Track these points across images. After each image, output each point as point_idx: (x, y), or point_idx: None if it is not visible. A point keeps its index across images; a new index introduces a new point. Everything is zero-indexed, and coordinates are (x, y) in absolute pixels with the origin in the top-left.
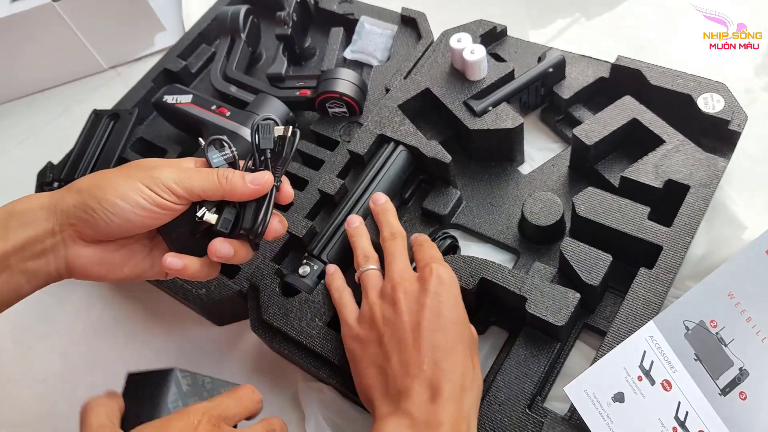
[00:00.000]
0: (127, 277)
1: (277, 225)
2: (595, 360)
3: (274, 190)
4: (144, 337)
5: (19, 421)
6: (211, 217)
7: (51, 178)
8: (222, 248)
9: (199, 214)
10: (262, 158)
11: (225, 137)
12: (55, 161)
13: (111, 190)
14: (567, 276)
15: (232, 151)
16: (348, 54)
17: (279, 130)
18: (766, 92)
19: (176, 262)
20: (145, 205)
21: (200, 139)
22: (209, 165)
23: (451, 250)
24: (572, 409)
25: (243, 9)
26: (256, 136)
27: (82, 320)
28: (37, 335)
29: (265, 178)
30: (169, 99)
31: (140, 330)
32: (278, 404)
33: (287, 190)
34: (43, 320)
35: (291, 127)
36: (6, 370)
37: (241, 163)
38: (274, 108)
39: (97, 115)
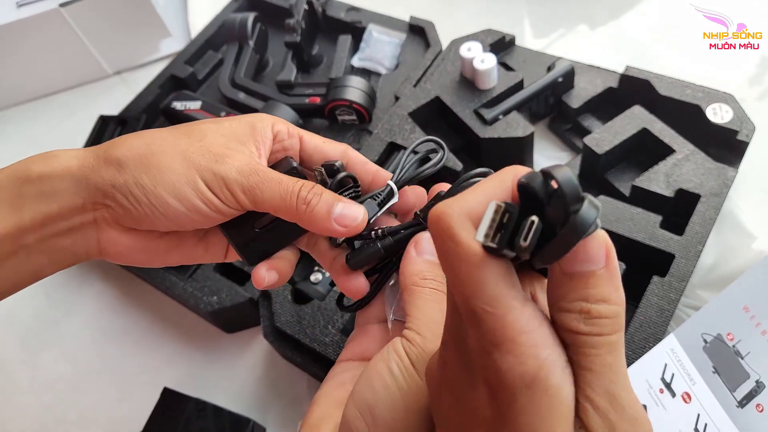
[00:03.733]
0: (175, 263)
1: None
2: None
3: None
4: (153, 344)
5: (26, 429)
6: None
7: None
8: (268, 275)
9: None
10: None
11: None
12: None
13: (162, 182)
14: None
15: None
16: (356, 62)
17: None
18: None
19: (272, 276)
20: (204, 210)
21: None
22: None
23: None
24: None
25: (251, 16)
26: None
27: (91, 327)
28: (44, 342)
29: (360, 216)
30: (178, 105)
31: (149, 337)
32: (280, 410)
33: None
34: (51, 327)
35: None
36: (13, 378)
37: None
38: (284, 115)
39: (104, 121)
